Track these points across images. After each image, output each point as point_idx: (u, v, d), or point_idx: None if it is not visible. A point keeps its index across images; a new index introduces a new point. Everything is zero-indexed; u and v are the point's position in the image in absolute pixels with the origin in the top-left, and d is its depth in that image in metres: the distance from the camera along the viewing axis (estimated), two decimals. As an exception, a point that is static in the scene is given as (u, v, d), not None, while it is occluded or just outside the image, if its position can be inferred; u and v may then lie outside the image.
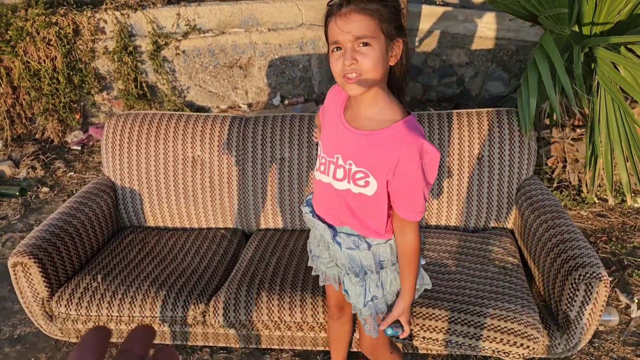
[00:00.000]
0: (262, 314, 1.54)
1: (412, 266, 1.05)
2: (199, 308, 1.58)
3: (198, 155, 1.98)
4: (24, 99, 3.22)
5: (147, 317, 1.59)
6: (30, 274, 1.59)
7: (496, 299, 1.48)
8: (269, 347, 1.65)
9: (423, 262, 1.14)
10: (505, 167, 1.87)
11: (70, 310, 1.61)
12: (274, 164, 1.94)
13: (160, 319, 1.59)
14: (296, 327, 1.55)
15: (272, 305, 1.54)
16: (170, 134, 1.98)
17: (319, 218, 1.14)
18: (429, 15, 3.72)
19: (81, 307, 1.60)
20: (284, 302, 1.54)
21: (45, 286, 1.62)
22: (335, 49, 0.91)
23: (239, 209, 1.98)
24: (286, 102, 3.75)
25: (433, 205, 1.92)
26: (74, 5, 3.24)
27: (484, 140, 1.87)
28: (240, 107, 3.81)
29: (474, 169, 1.88)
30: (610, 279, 2.13)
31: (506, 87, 3.82)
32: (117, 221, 2.05)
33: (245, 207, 1.98)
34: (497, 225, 1.93)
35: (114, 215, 2.01)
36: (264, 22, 3.59)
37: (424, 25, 3.76)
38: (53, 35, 3.05)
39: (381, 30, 0.89)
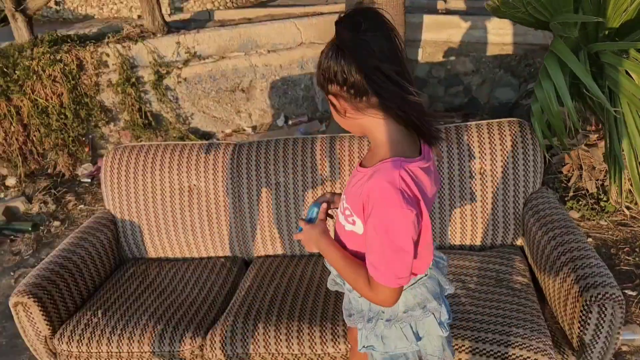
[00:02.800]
0: (259, 347, 1.51)
1: (354, 284, 0.94)
2: (196, 342, 1.57)
3: (194, 184, 1.98)
4: (34, 136, 3.32)
5: (145, 352, 1.58)
6: (31, 313, 1.61)
7: (503, 323, 1.41)
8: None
9: (446, 334, 1.03)
10: (510, 180, 1.80)
11: (72, 347, 1.61)
12: (269, 189, 1.93)
13: (158, 354, 1.58)
14: (294, 358, 1.52)
15: (269, 337, 1.51)
16: (165, 164, 1.99)
17: None
18: (431, 25, 3.70)
19: (82, 344, 1.60)
20: (280, 334, 1.51)
21: (47, 325, 1.63)
22: None
23: (237, 236, 1.98)
24: (290, 122, 3.76)
25: (436, 223, 1.86)
26: (77, 42, 3.34)
27: (485, 153, 1.81)
28: (244, 130, 3.84)
29: (476, 184, 1.82)
30: (634, 293, 2.02)
31: (516, 92, 3.74)
32: (120, 254, 2.06)
33: (244, 234, 1.97)
34: (505, 243, 1.84)
35: (115, 248, 2.02)
36: (263, 44, 3.63)
37: (427, 35, 3.74)
38: (58, 72, 3.14)
39: (322, 89, 0.91)
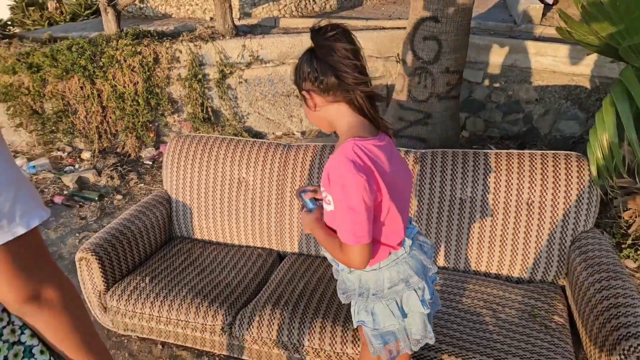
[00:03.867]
0: (282, 335, 1.65)
1: (332, 252, 1.11)
2: (226, 319, 1.73)
3: (243, 177, 2.17)
4: (110, 117, 3.69)
5: (181, 321, 1.77)
6: (91, 268, 1.85)
7: (530, 357, 1.39)
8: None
9: (424, 311, 1.16)
10: (558, 216, 1.76)
11: (120, 305, 1.83)
12: (309, 189, 2.07)
13: (192, 325, 1.76)
14: (314, 353, 1.63)
15: (293, 327, 1.65)
16: (220, 156, 2.20)
17: None
18: (497, 48, 3.64)
19: (129, 304, 1.82)
20: (304, 326, 1.64)
21: (103, 281, 1.86)
22: None
23: (275, 231, 2.14)
24: (339, 129, 3.90)
25: (473, 248, 1.88)
26: (156, 37, 3.68)
27: (535, 185, 1.79)
28: (294, 134, 4.03)
29: (522, 215, 1.80)
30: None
31: (581, 127, 3.59)
32: (170, 231, 2.29)
33: (282, 230, 2.12)
34: (545, 280, 1.81)
35: (167, 225, 2.25)
36: (323, 54, 3.80)
37: (491, 58, 3.70)
38: (137, 63, 3.49)
39: (297, 86, 1.10)
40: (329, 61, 1.01)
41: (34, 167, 3.53)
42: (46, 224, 2.95)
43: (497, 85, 3.75)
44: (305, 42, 3.77)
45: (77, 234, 2.87)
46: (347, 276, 1.21)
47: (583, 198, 1.76)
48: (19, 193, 0.66)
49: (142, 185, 3.44)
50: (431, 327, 1.22)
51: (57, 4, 5.83)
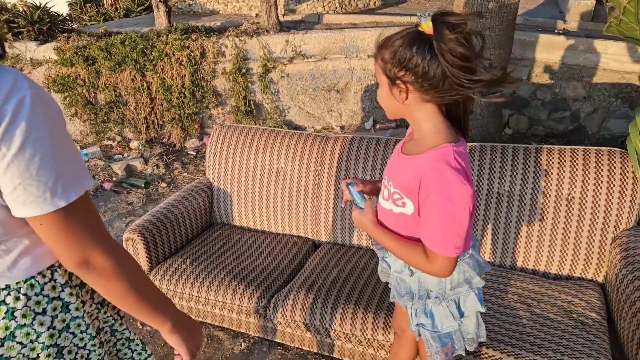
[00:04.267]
0: (315, 319, 1.68)
1: (409, 258, 1.06)
2: (261, 302, 1.79)
3: (281, 167, 2.22)
4: (157, 109, 3.86)
5: (218, 302, 1.84)
6: (137, 248, 1.96)
7: (564, 352, 1.38)
8: (320, 352, 1.78)
9: (482, 309, 1.13)
10: (600, 212, 1.72)
11: (162, 284, 1.93)
12: (346, 181, 2.09)
13: (229, 306, 1.83)
14: (345, 338, 1.66)
15: (325, 312, 1.68)
16: (260, 146, 2.26)
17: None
18: (544, 45, 3.56)
19: (171, 283, 1.91)
20: (336, 312, 1.67)
21: (147, 260, 1.97)
22: None
23: (311, 220, 2.17)
24: (377, 126, 3.90)
25: (509, 243, 1.86)
26: (204, 33, 3.81)
27: (576, 180, 1.75)
28: (333, 128, 4.06)
29: (561, 210, 1.77)
30: None
31: None
32: (211, 217, 2.38)
33: (317, 219, 2.16)
34: (583, 276, 1.78)
35: (208, 211, 2.34)
36: (364, 49, 3.81)
37: (538, 55, 3.61)
38: (185, 57, 3.63)
39: (384, 73, 0.98)
40: (449, 61, 0.87)
41: (86, 154, 3.75)
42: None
43: (543, 82, 3.63)
44: (347, 38, 3.78)
45: (124, 218, 3.03)
46: (406, 278, 1.15)
47: (626, 195, 1.70)
48: (64, 168, 0.72)
49: (185, 174, 3.58)
50: (483, 324, 1.19)
51: (113, 1, 6.15)
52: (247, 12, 5.57)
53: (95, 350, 0.95)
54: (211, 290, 1.85)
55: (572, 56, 3.47)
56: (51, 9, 4.44)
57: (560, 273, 1.81)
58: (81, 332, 0.92)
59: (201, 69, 3.72)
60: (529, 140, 3.64)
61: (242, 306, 1.81)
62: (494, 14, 2.50)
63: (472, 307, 1.14)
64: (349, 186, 1.21)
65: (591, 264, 1.76)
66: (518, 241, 1.85)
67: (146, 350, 1.11)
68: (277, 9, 3.89)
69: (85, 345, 0.94)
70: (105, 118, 3.99)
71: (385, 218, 1.14)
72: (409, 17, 4.45)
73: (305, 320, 1.70)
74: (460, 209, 0.94)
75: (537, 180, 1.81)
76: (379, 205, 1.19)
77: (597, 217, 1.74)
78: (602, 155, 1.76)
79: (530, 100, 3.72)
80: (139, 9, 6.06)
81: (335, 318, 1.65)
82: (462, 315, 1.14)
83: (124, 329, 1.06)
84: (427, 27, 0.89)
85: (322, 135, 2.21)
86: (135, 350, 1.10)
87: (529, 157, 1.84)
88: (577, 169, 1.77)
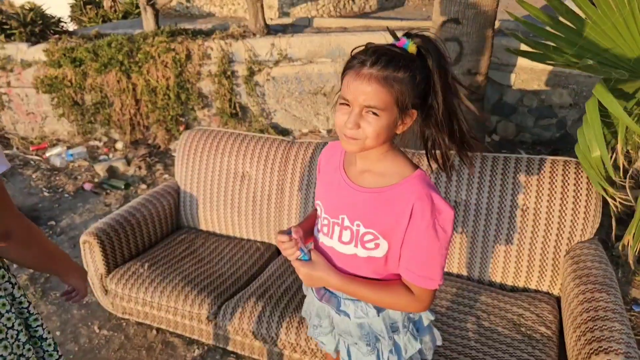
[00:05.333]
0: (261, 327, 1.65)
1: (392, 303, 0.96)
2: (212, 309, 1.75)
3: (247, 171, 2.19)
4: (143, 110, 3.87)
5: (171, 307, 1.81)
6: (94, 252, 1.94)
7: None
8: (270, 360, 1.74)
9: (432, 317, 1.07)
10: (553, 224, 1.68)
11: (119, 289, 1.90)
12: (310, 188, 2.06)
13: (181, 312, 1.80)
14: (291, 347, 1.62)
15: (272, 321, 1.64)
16: (227, 150, 2.23)
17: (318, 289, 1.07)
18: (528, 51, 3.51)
19: (126, 288, 1.89)
20: (282, 320, 1.63)
21: (104, 264, 1.94)
22: (344, 103, 0.88)
23: (274, 226, 2.14)
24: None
25: (463, 254, 1.82)
26: (191, 35, 3.81)
27: (530, 190, 1.72)
28: (320, 132, 4.02)
29: (515, 221, 1.74)
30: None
31: None
32: (178, 220, 2.35)
33: (280, 224, 2.12)
34: (540, 289, 1.74)
35: (174, 215, 2.31)
36: (350, 52, 3.77)
37: (523, 61, 3.56)
38: (170, 59, 3.63)
39: (395, 103, 0.84)
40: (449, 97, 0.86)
41: (72, 154, 3.76)
42: (73, 209, 3.14)
43: (529, 89, 3.57)
44: (334, 41, 3.75)
45: (99, 220, 3.02)
46: (372, 321, 1.01)
47: (579, 207, 1.65)
48: None
49: (166, 176, 3.57)
50: (435, 329, 1.13)
51: (112, 3, 6.20)
52: (242, 15, 5.57)
53: (22, 331, 0.99)
54: (164, 295, 1.82)
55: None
56: (46, 11, 4.48)
57: (516, 285, 1.77)
58: (7, 311, 0.96)
59: (186, 71, 3.71)
60: (516, 147, 3.57)
61: (192, 312, 1.77)
62: (470, 20, 2.46)
63: (426, 318, 1.07)
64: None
65: (546, 276, 1.71)
66: (473, 252, 1.80)
67: (58, 351, 1.10)
68: (263, 13, 3.88)
69: (12, 325, 0.97)
70: (91, 119, 4.00)
71: (343, 263, 0.99)
72: (399, 21, 4.40)
73: (252, 328, 1.66)
74: (449, 236, 0.89)
75: (493, 190, 1.77)
76: (322, 246, 1.03)
77: (551, 228, 1.69)
78: (557, 165, 1.71)
79: (517, 106, 3.66)
80: (137, 10, 6.10)
81: (282, 327, 1.61)
82: (419, 330, 1.06)
83: (37, 325, 1.05)
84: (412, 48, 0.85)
85: (287, 140, 2.18)
86: (47, 351, 1.08)
87: (485, 166, 1.79)
88: (531, 179, 1.72)
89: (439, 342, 1.11)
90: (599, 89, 1.46)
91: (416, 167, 0.94)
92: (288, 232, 1.00)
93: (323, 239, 1.03)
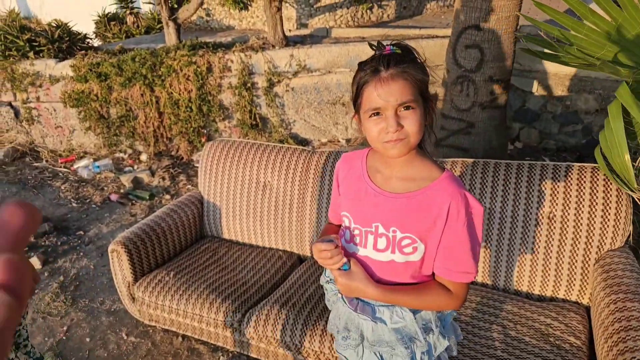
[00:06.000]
0: (285, 335, 1.66)
1: (432, 304, 0.98)
2: (236, 317, 1.77)
3: (268, 181, 2.22)
4: (166, 123, 3.96)
5: (196, 315, 1.83)
6: (121, 260, 1.98)
7: None
8: (294, 367, 1.74)
9: (455, 313, 1.10)
10: (582, 232, 1.65)
11: (145, 296, 1.94)
12: (331, 196, 2.07)
13: (205, 319, 1.82)
14: (314, 355, 1.62)
15: (296, 328, 1.65)
16: (249, 160, 2.27)
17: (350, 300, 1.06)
18: None
19: (153, 296, 1.93)
20: (306, 328, 1.64)
21: (131, 273, 1.99)
22: (373, 115, 0.89)
23: (296, 234, 2.15)
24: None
25: (489, 261, 1.80)
26: (211, 48, 3.90)
27: (557, 198, 1.69)
28: (339, 141, 4.04)
29: (541, 230, 1.71)
30: None
31: None
32: (202, 229, 2.39)
33: (302, 233, 2.13)
34: (568, 299, 1.71)
35: (198, 224, 2.35)
36: (369, 63, 3.79)
37: (547, 66, 3.51)
38: (192, 72, 3.71)
39: (420, 93, 0.88)
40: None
41: (98, 166, 3.87)
42: (101, 219, 3.22)
43: (553, 94, 3.51)
44: (352, 51, 3.78)
45: (125, 230, 3.09)
46: (407, 324, 1.01)
47: (609, 215, 1.61)
48: None
49: (190, 186, 3.63)
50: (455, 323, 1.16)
51: (135, 19, 6.39)
52: (261, 27, 5.67)
53: None
54: (189, 303, 1.85)
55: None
56: (72, 27, 4.65)
57: (543, 294, 1.74)
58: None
59: (207, 84, 3.79)
60: (540, 154, 3.51)
61: (217, 320, 1.80)
62: (492, 27, 2.45)
63: (450, 315, 1.09)
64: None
65: (574, 285, 1.68)
66: (499, 260, 1.78)
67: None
68: (282, 25, 3.94)
69: None
70: (117, 132, 4.12)
71: (380, 271, 1.00)
72: (418, 30, 4.41)
73: (276, 336, 1.67)
74: (481, 229, 0.94)
75: (518, 198, 1.75)
76: (355, 257, 1.03)
77: (580, 237, 1.66)
78: (585, 172, 1.68)
79: (541, 113, 3.60)
80: (159, 25, 6.27)
81: (305, 335, 1.62)
82: (445, 327, 1.07)
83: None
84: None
85: (308, 149, 2.20)
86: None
87: (510, 173, 1.77)
88: (558, 187, 1.70)
89: (460, 337, 1.13)
90: (621, 91, 1.44)
91: (443, 168, 0.96)
92: (328, 241, 0.97)
93: (355, 249, 1.03)
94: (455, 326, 1.13)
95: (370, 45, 0.95)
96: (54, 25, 4.50)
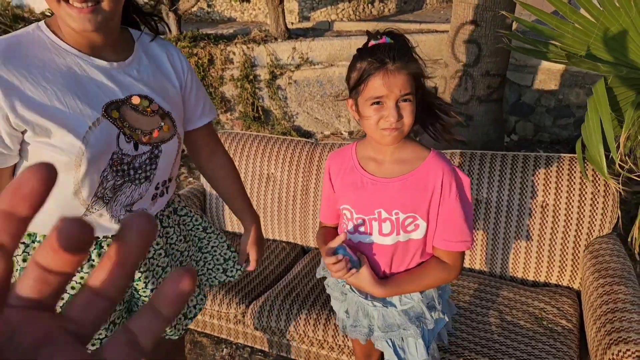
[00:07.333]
0: (289, 325, 1.70)
1: (434, 282, 1.05)
2: (240, 308, 1.82)
3: (272, 173, 2.25)
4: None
5: (201, 304, 1.89)
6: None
7: (527, 359, 1.39)
8: (296, 358, 1.79)
9: (449, 291, 1.17)
10: (573, 219, 1.72)
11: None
12: (333, 188, 2.11)
13: (209, 312, 1.87)
14: (318, 344, 1.67)
15: (300, 318, 1.69)
16: (251, 152, 2.30)
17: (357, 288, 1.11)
18: None
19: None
20: (310, 318, 1.68)
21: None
22: (375, 103, 0.94)
23: (299, 226, 2.19)
24: (384, 132, 3.89)
25: (487, 250, 1.85)
26: (213, 40, 3.92)
27: (549, 188, 1.76)
28: (342, 134, 4.07)
29: (535, 218, 1.78)
30: None
31: None
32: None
33: (305, 225, 2.18)
34: (560, 284, 1.77)
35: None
36: (371, 56, 3.82)
37: (541, 61, 3.56)
38: (192, 64, 3.73)
39: (416, 86, 0.95)
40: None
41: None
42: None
43: (547, 89, 3.56)
44: (354, 44, 3.80)
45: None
46: (415, 304, 1.08)
47: (597, 203, 1.68)
48: (207, 97, 1.17)
49: (191, 179, 3.67)
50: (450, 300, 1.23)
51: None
52: (262, 20, 5.68)
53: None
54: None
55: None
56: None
57: (537, 280, 1.80)
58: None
59: (209, 76, 3.82)
60: (535, 147, 3.56)
61: (221, 312, 1.84)
62: (488, 23, 2.48)
63: (447, 292, 1.16)
64: (339, 252, 1.01)
65: (566, 271, 1.75)
66: (496, 248, 1.84)
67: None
68: (285, 18, 3.96)
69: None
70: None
71: (387, 255, 1.06)
72: (418, 24, 4.42)
73: (280, 326, 1.72)
74: (471, 199, 1.02)
75: (513, 188, 1.80)
76: (360, 246, 1.09)
77: (570, 224, 1.72)
78: (575, 162, 1.74)
79: (535, 107, 3.65)
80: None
81: (309, 324, 1.67)
82: (442, 303, 1.13)
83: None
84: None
85: (311, 142, 2.24)
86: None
87: (506, 164, 1.83)
88: (550, 176, 1.76)
89: (455, 311, 1.22)
90: (597, 87, 1.49)
91: (429, 148, 1.03)
92: (333, 253, 1.01)
93: (361, 238, 1.07)
94: (451, 302, 1.20)
95: (368, 34, 1.00)
96: (48, 14, 4.50)
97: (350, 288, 1.12)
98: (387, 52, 0.91)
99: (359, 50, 0.99)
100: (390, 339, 1.13)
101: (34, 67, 0.81)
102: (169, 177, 1.06)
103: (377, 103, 0.94)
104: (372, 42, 0.95)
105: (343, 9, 5.42)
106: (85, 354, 0.20)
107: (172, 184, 1.10)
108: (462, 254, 1.04)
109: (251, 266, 1.25)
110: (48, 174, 0.18)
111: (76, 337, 0.20)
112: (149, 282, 1.03)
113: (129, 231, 0.20)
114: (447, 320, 1.14)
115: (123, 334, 0.21)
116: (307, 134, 4.11)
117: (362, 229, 1.06)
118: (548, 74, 3.52)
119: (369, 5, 5.58)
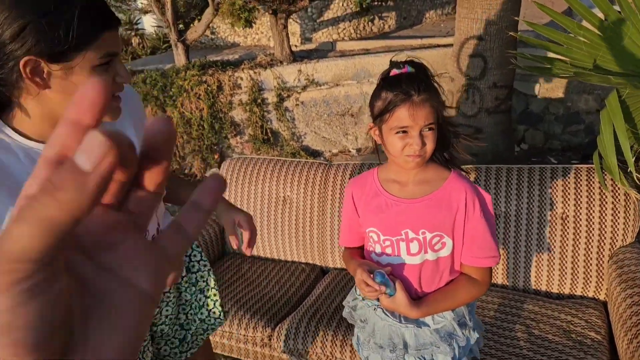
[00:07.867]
0: (316, 347, 1.71)
1: (465, 299, 1.08)
2: (266, 332, 1.83)
3: (287, 196, 2.28)
4: (178, 142, 4.05)
5: (225, 332, 1.89)
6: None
7: None
8: (325, 378, 1.79)
9: (476, 308, 1.21)
10: (595, 230, 1.72)
11: (175, 314, 2.01)
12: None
13: (235, 336, 1.88)
14: (347, 364, 1.67)
15: (326, 340, 1.70)
16: (267, 175, 2.34)
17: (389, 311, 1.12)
18: None
19: (182, 314, 1.99)
20: (336, 339, 1.68)
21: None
22: (400, 132, 0.99)
23: (318, 247, 2.21)
24: (392, 147, 3.92)
25: (509, 263, 1.85)
26: (220, 67, 4.00)
27: (569, 199, 1.76)
28: (350, 151, 4.11)
29: (556, 230, 1.78)
30: None
31: None
32: (223, 248, 2.46)
33: (323, 246, 2.19)
34: (585, 295, 1.76)
35: (220, 242, 2.42)
36: (375, 73, 3.87)
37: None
38: (202, 91, 3.81)
39: (438, 116, 1.01)
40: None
41: (115, 187, 3.96)
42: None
43: (554, 97, 3.59)
44: (358, 64, 3.87)
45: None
46: (446, 322, 1.10)
47: (619, 212, 1.69)
48: None
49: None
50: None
51: (139, 40, 6.53)
52: (265, 43, 5.79)
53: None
54: (219, 319, 1.91)
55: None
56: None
57: (561, 292, 1.80)
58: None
59: (218, 102, 3.89)
60: (546, 155, 3.57)
61: (247, 336, 1.85)
62: (493, 36, 2.53)
63: (474, 308, 1.19)
64: (376, 278, 1.02)
65: (591, 282, 1.74)
66: (517, 262, 1.84)
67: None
68: (289, 41, 4.04)
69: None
70: (131, 152, 4.21)
71: (416, 274, 1.09)
72: (420, 40, 4.49)
73: (307, 348, 1.72)
74: (493, 215, 1.06)
75: (532, 200, 1.81)
76: (392, 266, 1.11)
77: (593, 234, 1.73)
78: (594, 172, 1.75)
79: (543, 115, 3.67)
80: (164, 45, 6.41)
81: (336, 346, 1.67)
82: (472, 319, 1.15)
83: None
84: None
85: (325, 163, 2.27)
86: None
87: (522, 177, 1.85)
88: (569, 187, 1.77)
89: (483, 329, 1.22)
90: (611, 99, 1.50)
91: (449, 168, 1.08)
92: (370, 272, 1.05)
93: (390, 260, 1.11)
94: (478, 320, 1.21)
95: (391, 63, 1.05)
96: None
97: (384, 312, 1.13)
98: (411, 83, 0.96)
99: (383, 79, 1.04)
100: (422, 357, 1.14)
101: None
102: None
103: (403, 132, 0.99)
104: (395, 71, 1.00)
105: (344, 28, 5.51)
106: (146, 240, 0.24)
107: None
108: (490, 269, 1.07)
109: (245, 246, 1.23)
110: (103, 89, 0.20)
111: (134, 227, 0.24)
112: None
113: (156, 135, 0.23)
114: (478, 336, 1.16)
115: (173, 226, 0.24)
116: (316, 153, 4.15)
117: (389, 250, 1.09)
118: (555, 82, 3.56)
119: (369, 23, 5.68)
